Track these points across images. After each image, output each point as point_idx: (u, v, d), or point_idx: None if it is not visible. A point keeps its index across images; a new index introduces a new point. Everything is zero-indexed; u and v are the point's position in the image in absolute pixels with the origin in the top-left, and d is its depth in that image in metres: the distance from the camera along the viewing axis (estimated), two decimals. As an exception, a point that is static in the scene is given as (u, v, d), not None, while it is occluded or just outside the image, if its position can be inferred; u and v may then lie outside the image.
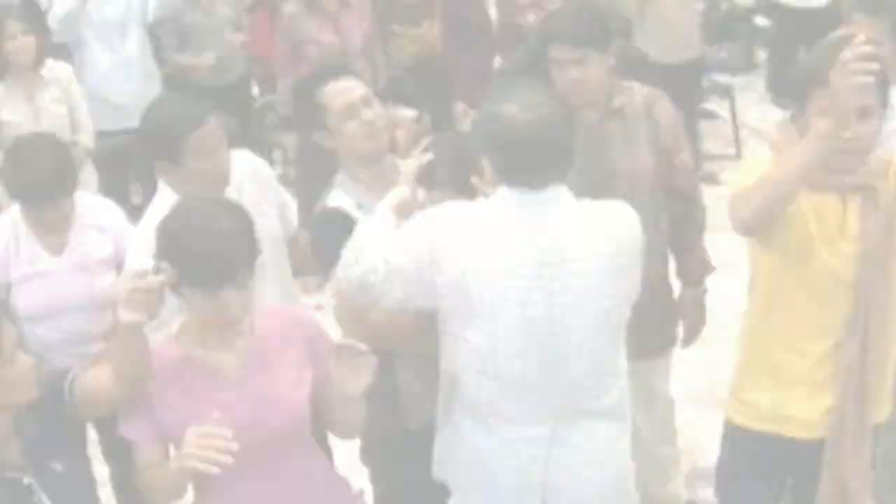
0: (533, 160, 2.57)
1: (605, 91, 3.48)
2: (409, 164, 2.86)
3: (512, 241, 2.59)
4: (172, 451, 2.50)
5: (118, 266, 3.48)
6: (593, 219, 2.66)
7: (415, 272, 2.61)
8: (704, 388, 4.40)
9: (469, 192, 2.76)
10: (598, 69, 3.42)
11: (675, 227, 3.64)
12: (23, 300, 3.51)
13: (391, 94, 4.67)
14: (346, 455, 3.24)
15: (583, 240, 2.61)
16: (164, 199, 3.00)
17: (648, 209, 3.26)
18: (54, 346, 3.49)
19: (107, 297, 3.32)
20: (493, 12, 6.67)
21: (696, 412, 4.27)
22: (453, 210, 2.67)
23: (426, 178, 2.82)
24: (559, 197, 2.62)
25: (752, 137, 7.54)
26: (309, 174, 5.47)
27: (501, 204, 2.62)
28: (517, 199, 2.60)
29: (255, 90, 7.26)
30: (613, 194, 2.88)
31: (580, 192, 2.66)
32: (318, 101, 3.11)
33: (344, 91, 3.10)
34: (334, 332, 2.74)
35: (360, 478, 3.04)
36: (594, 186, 2.94)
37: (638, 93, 3.59)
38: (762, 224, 2.75)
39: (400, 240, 2.66)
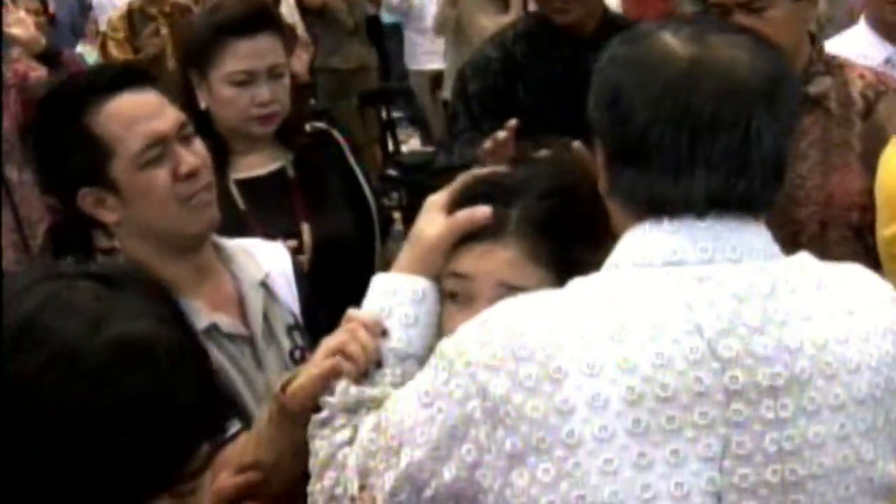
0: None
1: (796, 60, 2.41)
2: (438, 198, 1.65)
3: (670, 346, 1.32)
4: None
5: None
6: (827, 299, 1.40)
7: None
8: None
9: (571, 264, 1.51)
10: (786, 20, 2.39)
11: None
12: None
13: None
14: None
15: (817, 342, 1.37)
16: None
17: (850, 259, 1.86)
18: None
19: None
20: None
21: None
22: (544, 301, 1.39)
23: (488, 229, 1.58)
24: (758, 248, 1.39)
25: None
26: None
27: (644, 274, 1.37)
28: (669, 249, 1.37)
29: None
30: (791, 232, 1.94)
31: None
32: None
33: None
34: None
35: None
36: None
37: (855, 77, 2.54)
38: None
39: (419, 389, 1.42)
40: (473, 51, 3.44)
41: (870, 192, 2.39)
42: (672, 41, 1.38)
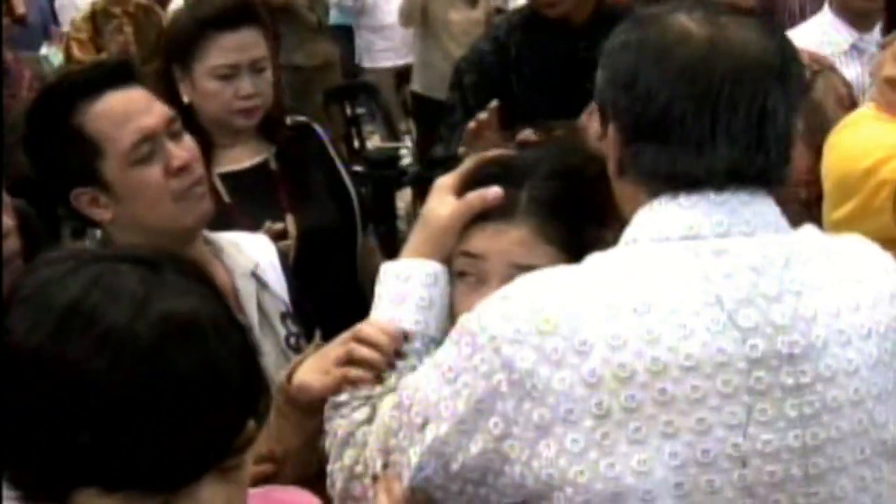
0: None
1: None
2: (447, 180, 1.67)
3: (692, 318, 1.36)
4: None
5: None
6: (836, 269, 1.45)
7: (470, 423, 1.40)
8: None
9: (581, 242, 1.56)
10: None
11: None
12: None
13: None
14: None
15: (830, 311, 1.41)
16: None
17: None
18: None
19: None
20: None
21: None
22: (564, 275, 1.42)
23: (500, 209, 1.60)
24: (771, 221, 1.46)
25: None
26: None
27: (662, 248, 1.41)
28: (686, 224, 1.41)
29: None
30: None
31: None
32: None
33: None
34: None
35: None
36: None
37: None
38: None
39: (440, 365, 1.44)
40: (440, 44, 3.48)
41: (813, 168, 2.51)
42: (687, 23, 1.43)
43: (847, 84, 2.78)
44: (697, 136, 1.40)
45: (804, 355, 1.38)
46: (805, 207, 2.57)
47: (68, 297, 1.03)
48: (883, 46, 2.58)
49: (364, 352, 1.56)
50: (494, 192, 1.58)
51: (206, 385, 1.03)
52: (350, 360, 1.57)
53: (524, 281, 1.42)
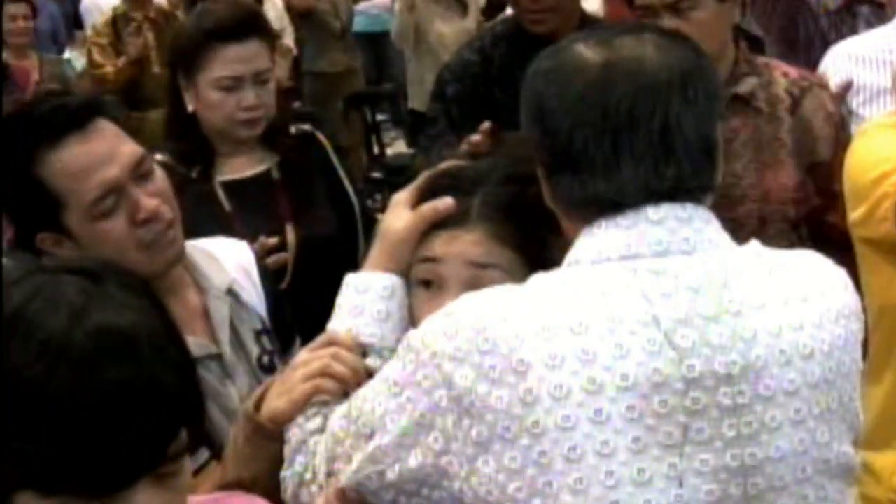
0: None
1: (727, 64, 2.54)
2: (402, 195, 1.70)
3: (629, 338, 1.35)
4: None
5: None
6: (780, 287, 1.43)
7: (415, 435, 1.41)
8: None
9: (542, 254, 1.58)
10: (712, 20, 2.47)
11: None
12: None
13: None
14: None
15: (771, 330, 1.40)
16: None
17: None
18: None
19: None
20: None
21: None
22: (506, 295, 1.42)
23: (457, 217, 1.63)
24: (711, 238, 1.44)
25: None
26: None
27: (602, 269, 1.41)
28: (624, 244, 1.42)
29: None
30: (729, 230, 1.92)
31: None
32: None
33: None
34: None
35: None
36: None
37: (779, 75, 2.61)
38: None
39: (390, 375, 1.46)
40: (437, 59, 3.45)
41: (802, 186, 2.51)
42: (584, 50, 1.45)
43: (837, 101, 2.75)
44: (602, 160, 1.41)
45: (742, 375, 1.37)
46: (791, 226, 2.58)
47: (11, 306, 1.07)
48: None
49: (338, 368, 1.58)
50: (446, 202, 1.61)
51: (138, 395, 1.06)
52: (323, 374, 1.58)
53: (468, 299, 1.44)
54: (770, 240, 2.15)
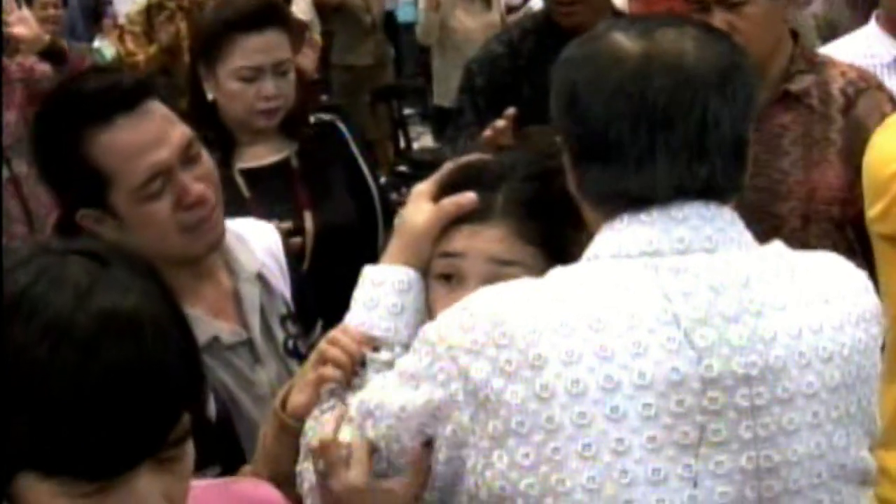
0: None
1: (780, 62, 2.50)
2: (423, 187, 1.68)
3: (647, 336, 1.34)
4: None
5: None
6: (802, 289, 1.42)
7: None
8: None
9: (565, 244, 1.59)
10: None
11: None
12: None
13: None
14: None
15: (791, 332, 1.38)
16: None
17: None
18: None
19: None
20: None
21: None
22: (524, 289, 1.41)
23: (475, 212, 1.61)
24: (733, 237, 1.42)
25: None
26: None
27: (621, 265, 1.39)
28: (646, 240, 1.40)
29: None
30: (772, 226, 1.87)
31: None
32: None
33: None
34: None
35: None
36: (744, 212, 1.56)
37: (837, 74, 2.55)
38: None
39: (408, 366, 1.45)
40: (462, 53, 3.45)
41: (850, 187, 2.44)
42: (622, 39, 1.41)
43: (894, 101, 2.64)
44: (636, 154, 1.38)
45: (761, 377, 1.36)
46: (837, 226, 2.52)
47: (17, 286, 1.07)
48: None
49: (333, 352, 1.58)
50: (469, 197, 1.58)
51: (140, 377, 1.05)
52: (322, 360, 1.59)
53: (485, 292, 1.42)
54: (813, 239, 2.17)
